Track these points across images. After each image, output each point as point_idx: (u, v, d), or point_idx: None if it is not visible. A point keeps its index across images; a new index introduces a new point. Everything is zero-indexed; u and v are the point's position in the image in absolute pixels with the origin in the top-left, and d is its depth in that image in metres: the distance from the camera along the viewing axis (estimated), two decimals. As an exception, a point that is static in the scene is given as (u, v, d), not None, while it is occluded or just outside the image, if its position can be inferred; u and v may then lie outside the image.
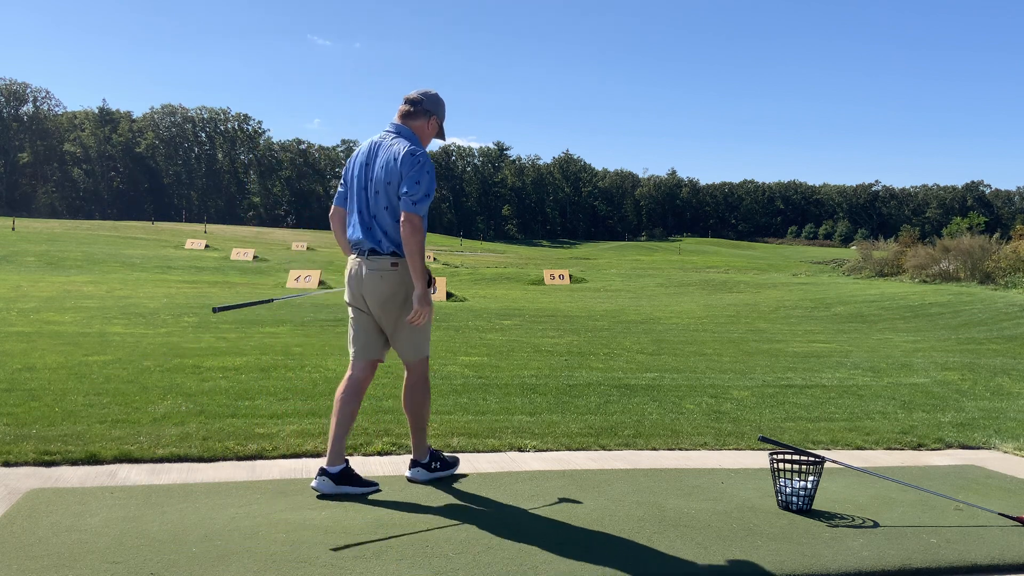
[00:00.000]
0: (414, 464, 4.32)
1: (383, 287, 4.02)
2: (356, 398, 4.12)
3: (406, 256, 3.93)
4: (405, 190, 3.90)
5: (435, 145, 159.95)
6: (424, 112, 4.15)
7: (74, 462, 4.48)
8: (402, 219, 3.87)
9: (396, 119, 4.17)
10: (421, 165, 3.94)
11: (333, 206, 4.34)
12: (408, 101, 4.15)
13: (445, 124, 4.30)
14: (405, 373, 4.24)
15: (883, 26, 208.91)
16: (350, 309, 4.20)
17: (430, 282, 4.03)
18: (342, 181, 4.27)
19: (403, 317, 4.04)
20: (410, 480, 4.29)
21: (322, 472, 4.00)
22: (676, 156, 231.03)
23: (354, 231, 4.12)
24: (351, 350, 4.20)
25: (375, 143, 4.12)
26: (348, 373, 4.18)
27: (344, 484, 4.01)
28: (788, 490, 4.02)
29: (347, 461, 4.09)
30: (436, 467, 4.36)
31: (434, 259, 45.19)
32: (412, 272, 3.94)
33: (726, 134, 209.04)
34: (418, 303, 3.94)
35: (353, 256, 4.17)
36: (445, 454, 4.52)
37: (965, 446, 5.83)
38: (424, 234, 3.94)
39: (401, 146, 4.00)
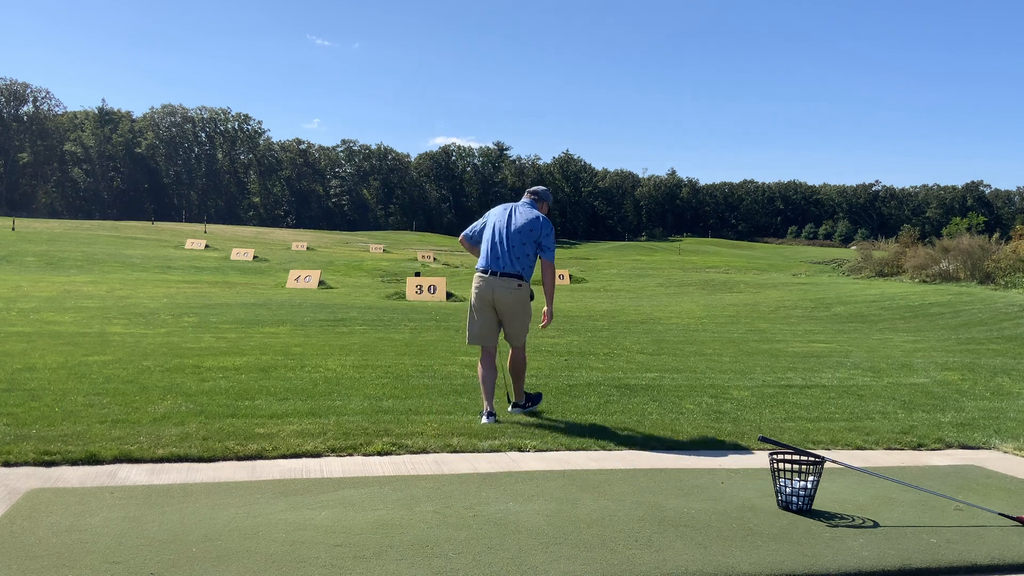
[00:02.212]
0: (515, 406, 6.18)
1: (512, 297, 5.93)
2: (492, 365, 6.01)
3: (547, 286, 6.11)
4: (547, 245, 6.01)
5: (435, 145, 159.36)
6: (542, 199, 6.27)
7: (74, 462, 4.48)
8: (545, 265, 6.04)
9: (526, 198, 6.24)
10: (552, 230, 6.05)
11: (464, 239, 6.32)
12: (532, 192, 6.27)
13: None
14: (511, 351, 6.13)
15: (883, 26, 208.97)
16: (475, 309, 6.03)
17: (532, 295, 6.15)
18: (483, 222, 6.20)
19: (519, 317, 5.99)
20: (511, 412, 6.13)
21: (490, 414, 5.87)
22: (676, 156, 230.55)
23: (495, 258, 5.97)
24: (472, 339, 6.09)
25: (514, 207, 6.13)
26: (481, 355, 6.06)
27: (532, 405, 6.25)
28: (788, 490, 4.02)
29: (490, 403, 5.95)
30: (529, 404, 6.24)
31: (434, 259, 45.22)
32: (548, 295, 6.15)
33: (726, 134, 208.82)
34: (550, 317, 6.14)
35: (485, 274, 5.97)
36: (528, 392, 6.38)
37: (965, 446, 5.83)
38: (554, 274, 6.14)
39: (538, 215, 6.06)
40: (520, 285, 5.92)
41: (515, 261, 5.92)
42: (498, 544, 3.41)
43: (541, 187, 6.34)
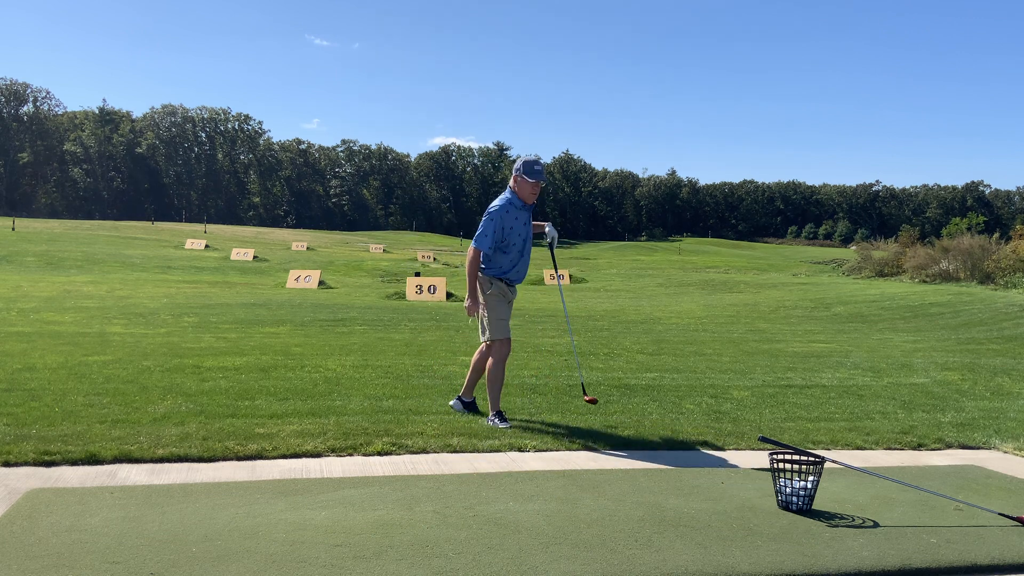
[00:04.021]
0: (458, 399, 6.17)
1: None
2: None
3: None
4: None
5: (435, 145, 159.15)
6: (513, 174, 5.81)
7: (74, 462, 4.48)
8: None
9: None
10: (486, 216, 5.72)
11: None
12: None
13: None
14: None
15: (883, 26, 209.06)
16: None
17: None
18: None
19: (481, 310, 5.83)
20: (452, 406, 6.16)
21: (458, 399, 6.16)
22: (676, 156, 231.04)
23: None
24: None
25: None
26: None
27: (468, 411, 6.09)
28: (788, 490, 4.02)
29: (474, 399, 6.20)
30: (466, 406, 6.13)
31: (434, 259, 45.24)
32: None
33: (726, 134, 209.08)
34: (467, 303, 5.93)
35: None
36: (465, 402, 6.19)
37: (965, 446, 5.82)
38: (470, 260, 5.79)
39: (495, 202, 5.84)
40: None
41: None
42: (498, 544, 3.41)
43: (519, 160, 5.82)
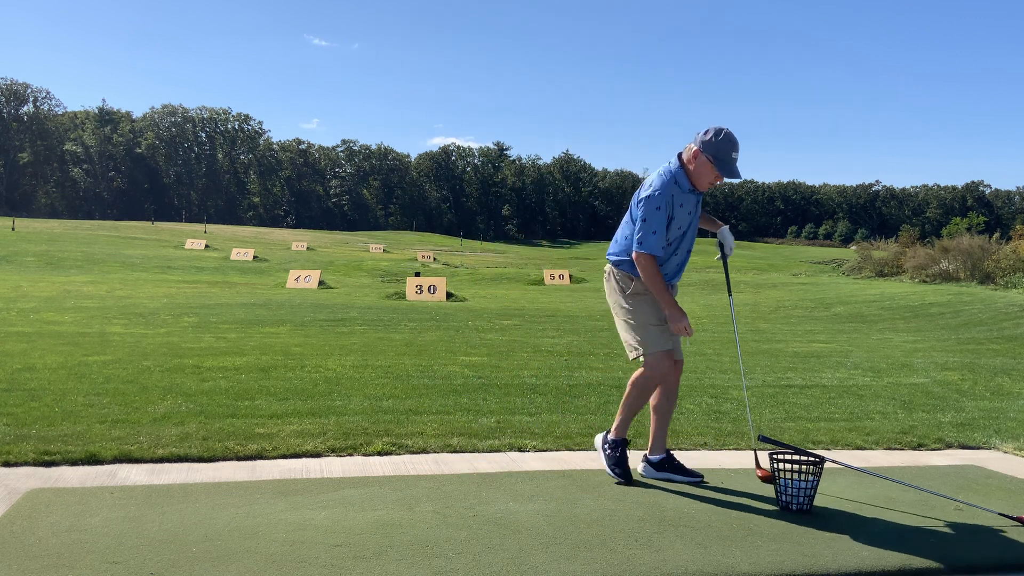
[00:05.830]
0: (644, 460, 4.62)
1: (607, 287, 4.52)
2: (660, 391, 4.53)
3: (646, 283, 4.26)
4: (636, 216, 4.27)
5: (435, 145, 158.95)
6: (692, 146, 4.23)
7: (74, 462, 4.48)
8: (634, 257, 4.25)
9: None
10: (648, 200, 4.18)
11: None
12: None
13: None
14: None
15: (883, 26, 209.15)
16: None
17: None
18: None
19: (616, 316, 4.45)
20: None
21: (644, 459, 4.61)
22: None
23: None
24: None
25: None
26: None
27: (663, 472, 4.53)
28: (788, 490, 4.02)
29: (668, 452, 4.58)
30: (614, 451, 4.51)
31: (434, 259, 45.25)
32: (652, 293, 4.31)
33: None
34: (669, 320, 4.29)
35: None
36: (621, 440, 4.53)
37: (965, 446, 5.82)
38: (650, 272, 4.19)
39: (652, 179, 4.29)
40: (607, 272, 4.49)
41: (616, 240, 4.51)
42: (498, 544, 3.41)
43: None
